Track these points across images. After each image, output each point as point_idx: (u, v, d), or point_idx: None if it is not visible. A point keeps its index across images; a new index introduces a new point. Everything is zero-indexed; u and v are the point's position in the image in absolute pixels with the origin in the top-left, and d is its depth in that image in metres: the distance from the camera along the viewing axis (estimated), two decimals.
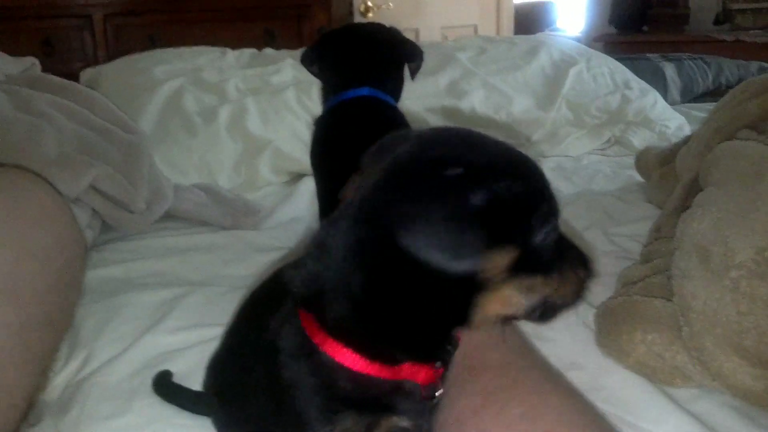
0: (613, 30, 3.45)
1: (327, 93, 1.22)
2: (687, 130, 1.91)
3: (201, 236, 1.39)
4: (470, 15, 4.01)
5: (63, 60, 3.23)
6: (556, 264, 0.55)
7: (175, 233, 1.39)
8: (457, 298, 0.52)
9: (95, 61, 3.25)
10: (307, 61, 1.23)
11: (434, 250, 0.48)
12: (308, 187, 1.57)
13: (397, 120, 1.16)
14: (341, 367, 0.54)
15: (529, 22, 7.32)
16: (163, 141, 1.58)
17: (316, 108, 1.71)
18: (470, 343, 0.66)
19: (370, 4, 3.60)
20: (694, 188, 1.17)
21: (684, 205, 1.17)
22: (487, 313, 0.53)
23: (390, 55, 1.19)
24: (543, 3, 7.93)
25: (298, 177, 1.65)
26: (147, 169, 1.37)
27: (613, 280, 1.09)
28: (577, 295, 0.57)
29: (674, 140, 1.80)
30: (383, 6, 3.66)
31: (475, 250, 0.49)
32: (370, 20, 3.53)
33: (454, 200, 0.49)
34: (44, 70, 1.83)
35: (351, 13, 3.63)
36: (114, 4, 3.26)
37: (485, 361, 0.71)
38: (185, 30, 3.39)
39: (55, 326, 0.91)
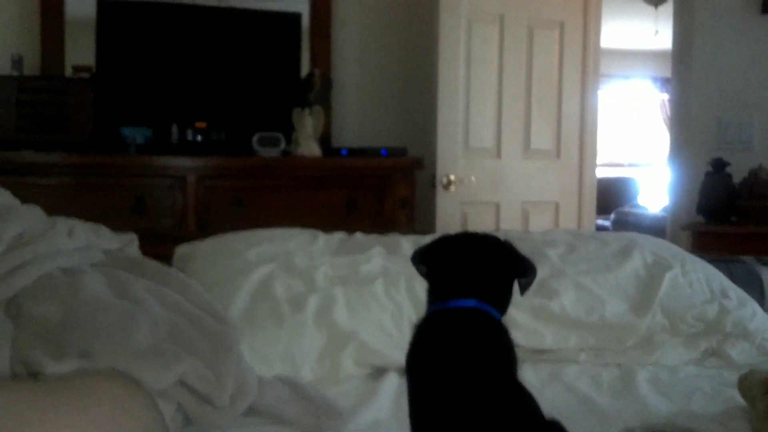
0: (699, 217, 3.40)
1: (432, 297, 1.21)
2: None
3: None
4: (552, 192, 4.05)
5: (153, 217, 3.36)
6: None
7: (255, 430, 1.36)
8: None
9: (184, 219, 3.37)
10: (417, 261, 1.24)
11: None
12: (392, 385, 1.54)
13: (501, 337, 1.14)
14: None
15: (610, 197, 7.37)
16: (250, 328, 1.58)
17: (404, 300, 1.71)
18: None
19: (452, 178, 3.66)
20: None
21: None
22: None
23: (503, 269, 1.19)
24: (624, 180, 8.02)
25: (382, 370, 1.62)
26: (234, 363, 1.36)
27: None
28: None
29: None
30: (465, 180, 3.72)
31: None
32: (453, 193, 3.61)
33: None
34: (135, 227, 1.89)
35: (434, 186, 3.70)
36: (207, 167, 3.41)
37: None
38: (271, 195, 3.51)
39: None
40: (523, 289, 1.24)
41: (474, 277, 1.18)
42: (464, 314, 1.16)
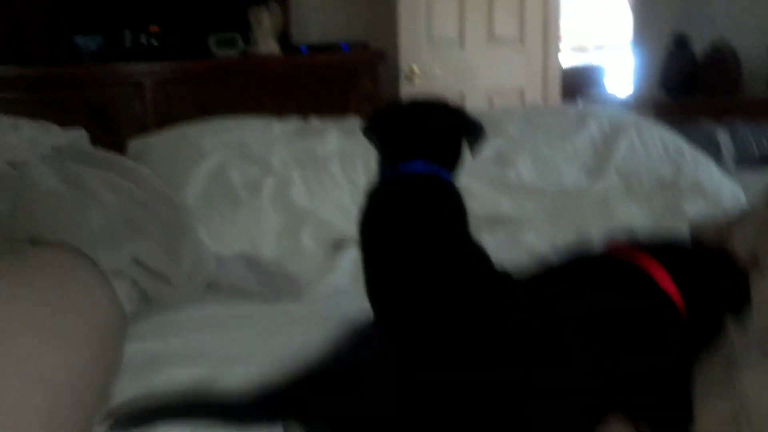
0: (663, 95, 3.40)
1: (381, 162, 1.21)
2: (743, 199, 1.85)
3: (241, 308, 1.36)
4: (516, 79, 4.01)
5: (114, 127, 3.30)
6: None
7: (215, 305, 1.37)
8: None
9: (145, 128, 3.31)
10: (366, 130, 1.25)
11: None
12: (351, 258, 1.55)
13: (450, 197, 1.14)
14: None
15: (575, 86, 7.33)
16: (207, 212, 1.58)
17: (361, 179, 1.71)
18: None
19: (416, 69, 3.62)
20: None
21: None
22: None
23: (449, 128, 1.19)
24: (590, 67, 7.95)
25: (341, 246, 1.63)
26: (189, 242, 1.36)
27: None
28: None
29: (729, 210, 1.75)
30: (429, 71, 3.68)
31: None
32: (417, 85, 3.57)
33: None
34: (95, 137, 1.87)
35: (397, 78, 3.66)
36: (164, 72, 3.33)
37: None
38: (233, 96, 3.45)
39: (88, 408, 0.88)
40: (474, 150, 1.23)
41: (421, 138, 1.19)
42: (413, 177, 1.16)
